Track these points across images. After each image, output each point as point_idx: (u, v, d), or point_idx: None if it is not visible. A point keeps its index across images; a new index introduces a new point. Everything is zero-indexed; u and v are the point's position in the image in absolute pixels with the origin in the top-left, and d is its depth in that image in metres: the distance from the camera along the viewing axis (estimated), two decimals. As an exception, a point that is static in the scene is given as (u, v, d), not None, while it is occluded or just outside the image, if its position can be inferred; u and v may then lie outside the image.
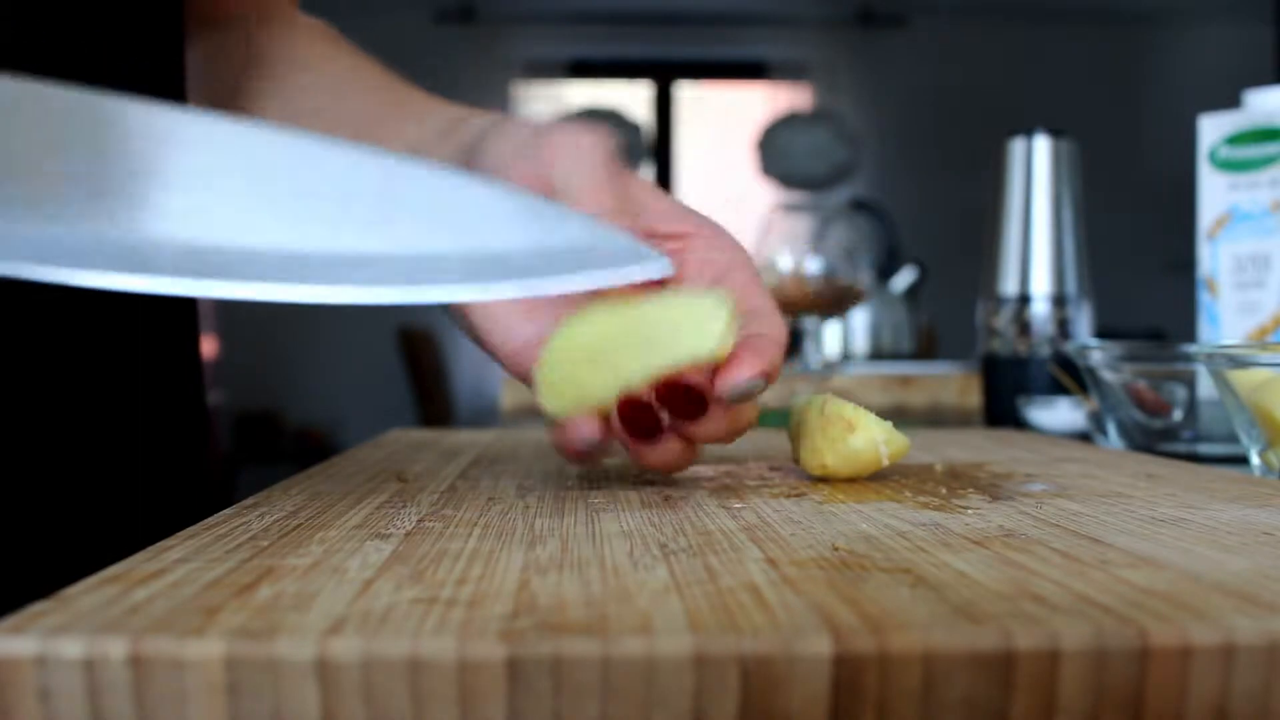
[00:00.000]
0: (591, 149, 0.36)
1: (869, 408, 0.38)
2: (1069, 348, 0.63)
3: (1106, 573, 0.23)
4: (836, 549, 0.25)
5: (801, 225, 1.32)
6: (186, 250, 0.26)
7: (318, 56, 0.53)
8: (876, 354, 1.53)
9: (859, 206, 1.62)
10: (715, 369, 0.33)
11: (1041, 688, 0.18)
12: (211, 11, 0.53)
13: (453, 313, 0.41)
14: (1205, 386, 0.57)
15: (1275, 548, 0.26)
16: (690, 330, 0.32)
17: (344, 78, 0.52)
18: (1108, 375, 0.58)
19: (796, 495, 0.34)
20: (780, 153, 3.53)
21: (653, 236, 0.37)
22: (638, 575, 0.23)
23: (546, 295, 0.29)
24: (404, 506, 0.31)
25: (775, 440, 0.52)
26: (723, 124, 4.00)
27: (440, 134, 0.44)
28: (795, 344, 1.13)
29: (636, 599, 0.21)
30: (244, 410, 3.66)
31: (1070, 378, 0.74)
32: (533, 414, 0.94)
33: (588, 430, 0.32)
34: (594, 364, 0.32)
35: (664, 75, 4.03)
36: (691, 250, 0.37)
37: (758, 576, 0.22)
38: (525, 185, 0.35)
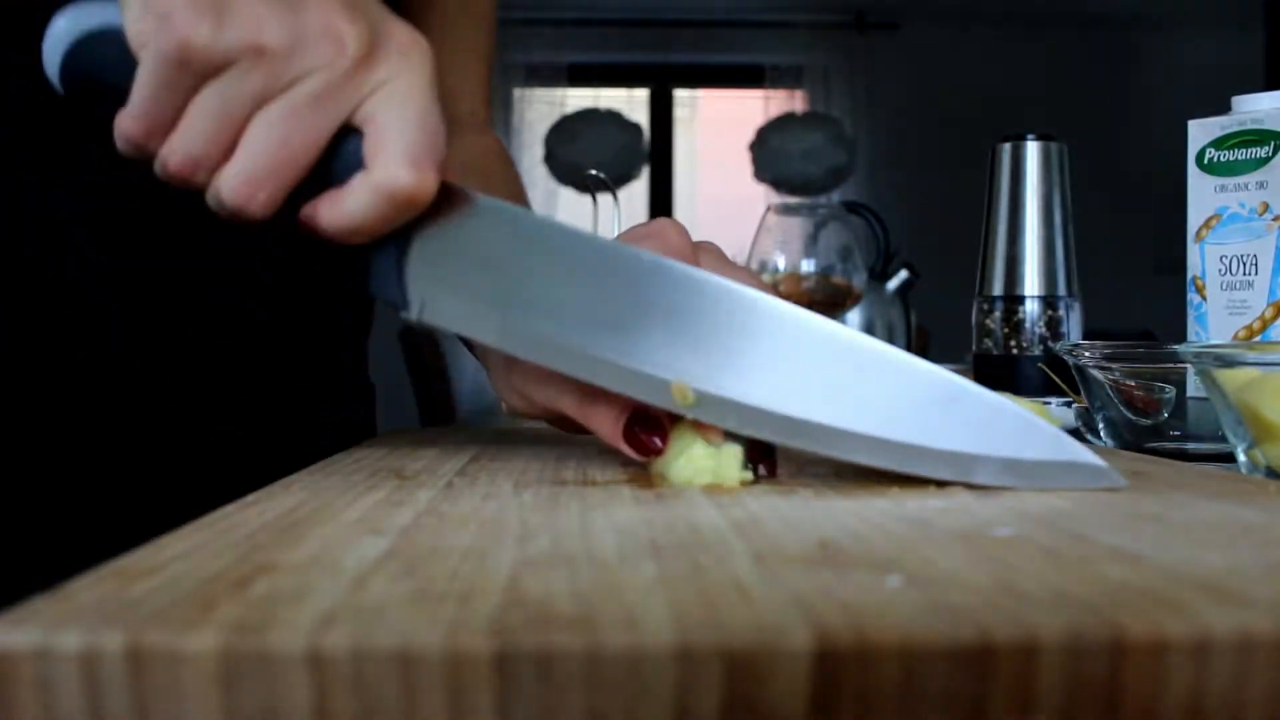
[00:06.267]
0: (678, 245, 0.40)
1: None
2: (1059, 347, 0.63)
3: (1086, 568, 0.23)
4: (823, 544, 0.26)
5: (797, 227, 1.32)
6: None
7: (478, 170, 0.63)
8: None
9: (853, 208, 1.62)
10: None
11: (1019, 681, 0.19)
12: None
13: (473, 347, 0.46)
14: (1193, 385, 0.58)
15: (1255, 544, 0.27)
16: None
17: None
18: (1097, 374, 0.59)
19: (787, 492, 0.35)
20: (776, 156, 3.53)
21: None
22: (625, 571, 0.23)
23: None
24: (401, 503, 0.32)
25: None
26: (719, 128, 4.01)
27: None
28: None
29: (623, 594, 0.21)
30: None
31: (1060, 377, 0.74)
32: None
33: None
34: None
35: (662, 80, 4.04)
36: None
37: (744, 572, 0.23)
38: None
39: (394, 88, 0.34)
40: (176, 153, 0.33)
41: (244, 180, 0.33)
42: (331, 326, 0.62)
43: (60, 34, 0.35)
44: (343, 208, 0.34)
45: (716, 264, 0.42)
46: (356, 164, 0.34)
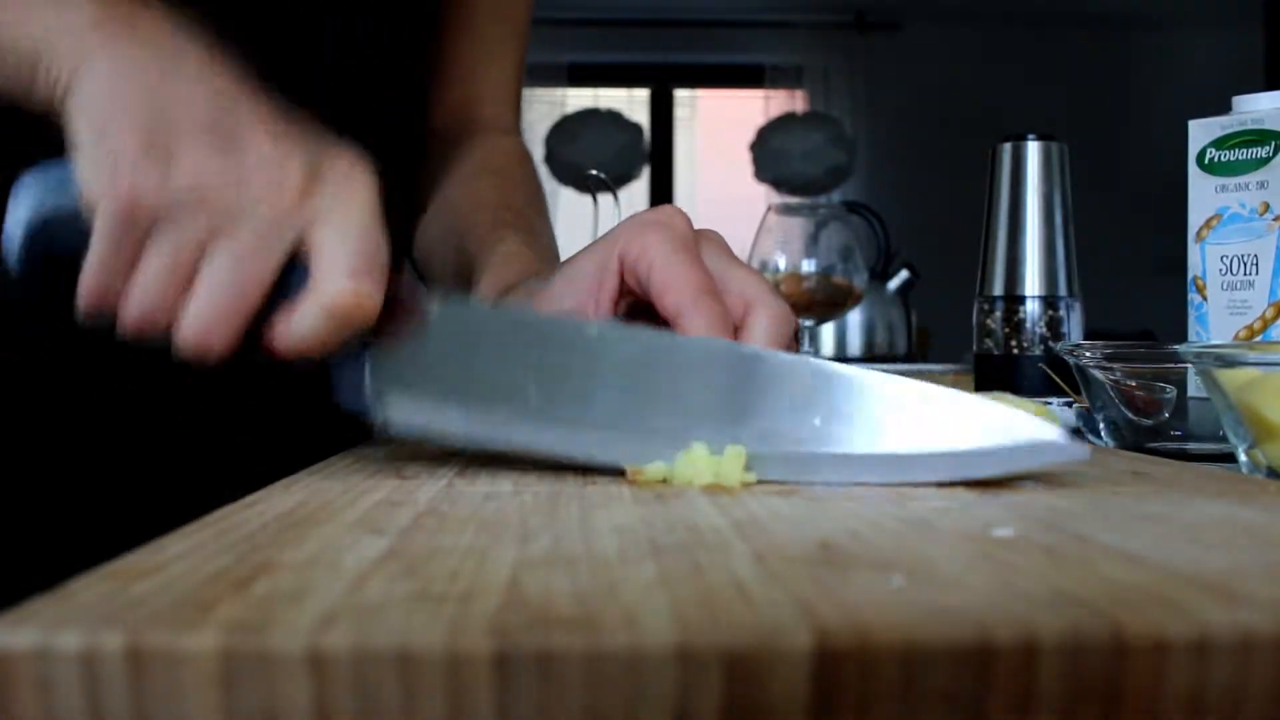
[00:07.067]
0: (683, 232, 0.42)
1: None
2: (1060, 347, 0.63)
3: (1087, 568, 0.23)
4: (823, 545, 0.26)
5: (798, 227, 1.32)
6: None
7: (495, 172, 0.65)
8: (871, 354, 1.54)
9: (854, 208, 1.62)
10: None
11: (1019, 681, 0.19)
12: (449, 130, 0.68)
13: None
14: (1194, 386, 0.58)
15: (1255, 544, 0.27)
16: None
17: (486, 191, 0.64)
18: (1098, 374, 0.59)
19: (788, 492, 0.35)
20: (776, 156, 3.53)
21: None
22: (626, 571, 0.23)
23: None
24: (401, 503, 0.32)
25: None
26: (720, 128, 4.01)
27: (512, 255, 0.55)
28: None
29: (623, 594, 0.21)
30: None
31: (1061, 377, 0.74)
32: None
33: None
34: None
35: (662, 80, 4.04)
36: (755, 320, 0.42)
37: (744, 572, 0.23)
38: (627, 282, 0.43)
39: (334, 211, 0.35)
40: (135, 304, 0.35)
41: (201, 323, 0.35)
42: None
43: (20, 220, 0.36)
44: (294, 329, 0.35)
45: (718, 255, 0.43)
46: (304, 287, 0.35)
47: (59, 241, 0.36)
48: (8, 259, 0.37)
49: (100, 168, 0.34)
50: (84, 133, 0.35)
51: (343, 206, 0.35)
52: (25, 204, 0.36)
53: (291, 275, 0.35)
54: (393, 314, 0.37)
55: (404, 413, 0.38)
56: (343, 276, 0.35)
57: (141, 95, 0.35)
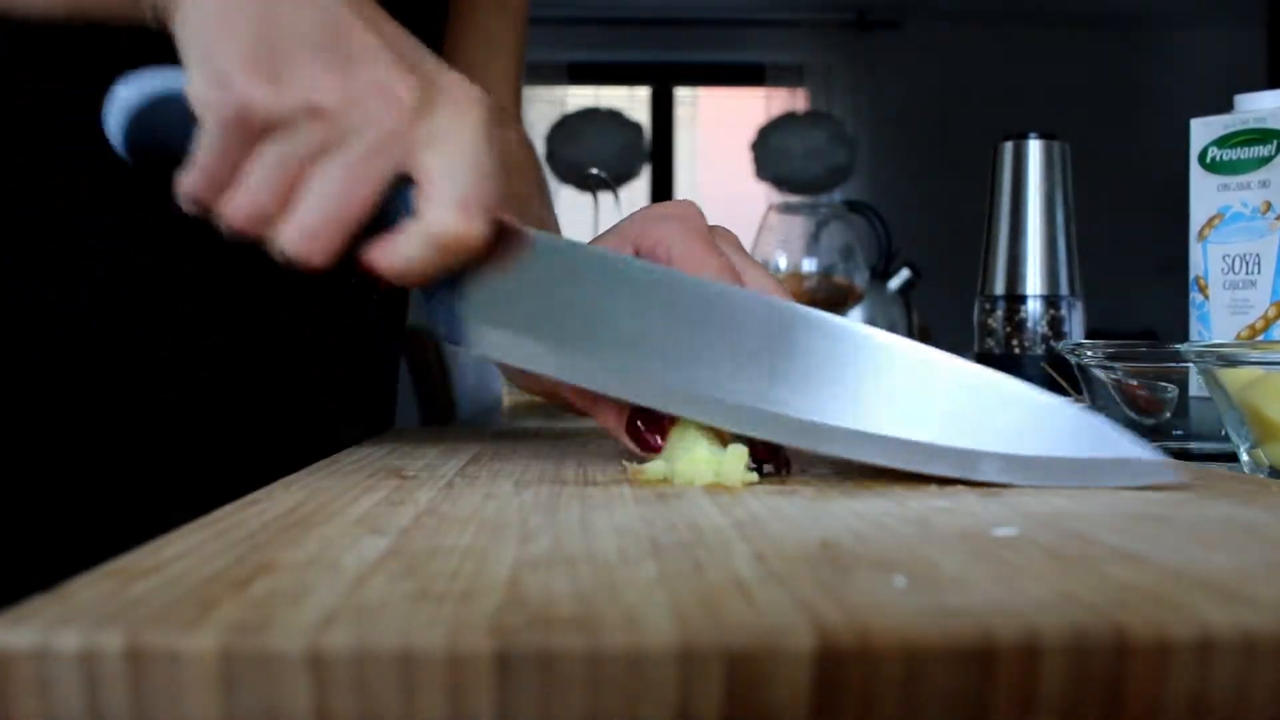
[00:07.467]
0: (700, 227, 0.42)
1: None
2: (1062, 347, 0.63)
3: (1089, 568, 0.23)
4: (825, 544, 0.26)
5: (799, 226, 1.32)
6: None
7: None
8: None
9: (855, 207, 1.62)
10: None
11: (1022, 682, 0.19)
12: None
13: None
14: (1196, 385, 0.57)
15: (1257, 544, 0.27)
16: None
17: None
18: (1099, 374, 0.59)
19: (789, 492, 0.35)
20: (777, 155, 3.53)
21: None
22: (627, 570, 0.23)
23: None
24: (401, 503, 0.32)
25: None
26: (721, 126, 4.01)
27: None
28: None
29: (624, 594, 0.21)
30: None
31: (1063, 376, 0.74)
32: (533, 413, 0.95)
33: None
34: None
35: (663, 79, 4.03)
36: None
37: (745, 572, 0.23)
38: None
39: (446, 137, 0.35)
40: (240, 208, 0.35)
41: (305, 232, 0.35)
42: (345, 329, 0.62)
43: (123, 101, 0.36)
44: (396, 253, 0.35)
45: (732, 251, 0.43)
46: (409, 210, 0.35)
47: (161, 128, 0.36)
48: (114, 144, 0.37)
49: (210, 83, 0.34)
50: (193, 52, 0.35)
51: (454, 134, 0.35)
52: (128, 90, 0.36)
53: (395, 197, 0.35)
54: (494, 246, 0.37)
55: (495, 344, 0.38)
56: (451, 207, 0.34)
57: (250, 15, 0.34)
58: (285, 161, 0.34)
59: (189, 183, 0.35)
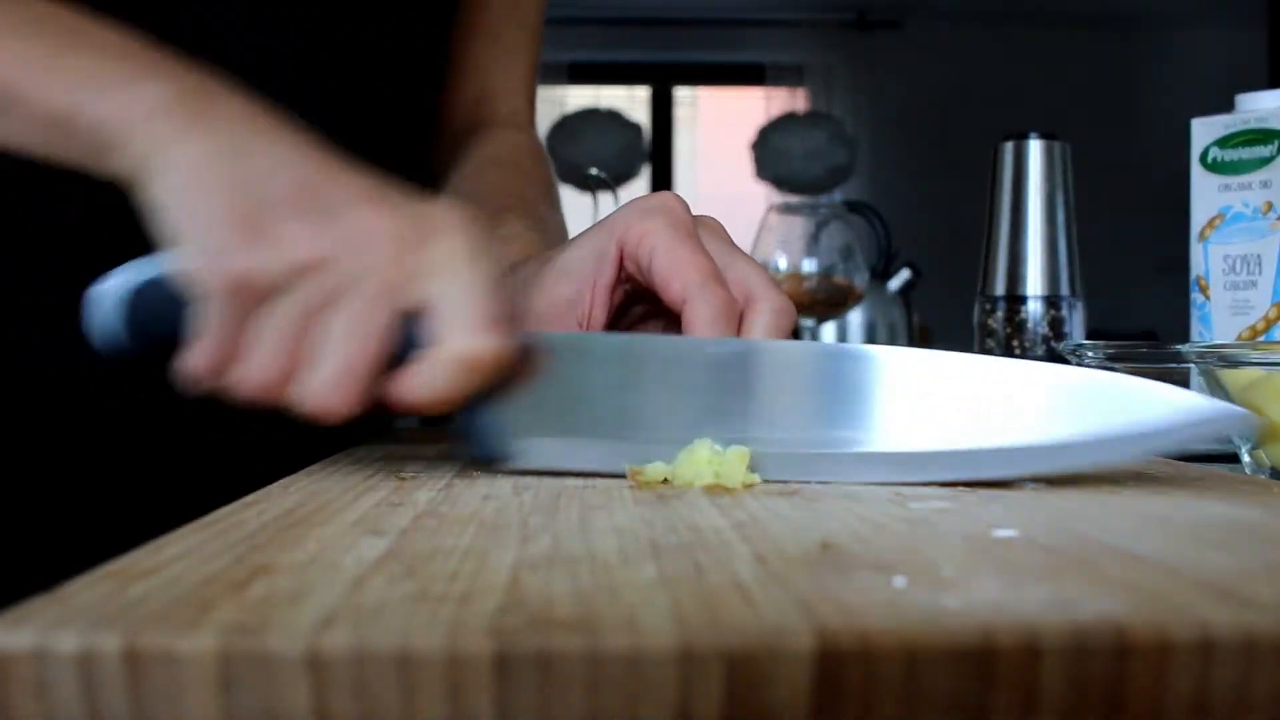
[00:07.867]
0: (683, 219, 0.42)
1: None
2: (1063, 347, 0.63)
3: (1089, 569, 0.23)
4: (825, 545, 0.26)
5: (798, 226, 1.32)
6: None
7: (511, 166, 0.65)
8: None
9: (855, 208, 1.62)
10: None
11: (1022, 683, 0.19)
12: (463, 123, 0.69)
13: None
14: (1197, 386, 0.57)
15: (1258, 544, 0.27)
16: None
17: (493, 180, 0.63)
18: (1100, 375, 0.59)
19: (789, 493, 0.34)
20: (777, 155, 3.53)
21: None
22: (626, 571, 0.23)
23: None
24: (401, 504, 0.32)
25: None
26: (721, 127, 4.01)
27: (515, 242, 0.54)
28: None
29: (624, 595, 0.21)
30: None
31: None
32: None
33: None
34: None
35: (663, 79, 4.03)
36: (757, 313, 0.41)
37: (745, 573, 0.23)
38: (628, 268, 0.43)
39: (445, 264, 0.35)
40: (253, 376, 0.35)
41: (324, 387, 0.34)
42: None
43: (111, 296, 0.37)
44: (422, 382, 0.35)
45: (718, 243, 0.42)
46: (425, 340, 0.35)
47: (152, 321, 0.36)
48: (101, 333, 0.37)
49: (202, 258, 0.34)
50: (175, 223, 0.35)
51: (452, 259, 0.35)
52: (118, 281, 0.37)
53: (403, 333, 0.35)
54: (517, 359, 0.37)
55: (539, 453, 0.38)
56: (474, 329, 0.34)
57: (226, 181, 0.34)
58: (290, 322, 0.34)
59: (195, 362, 0.35)
